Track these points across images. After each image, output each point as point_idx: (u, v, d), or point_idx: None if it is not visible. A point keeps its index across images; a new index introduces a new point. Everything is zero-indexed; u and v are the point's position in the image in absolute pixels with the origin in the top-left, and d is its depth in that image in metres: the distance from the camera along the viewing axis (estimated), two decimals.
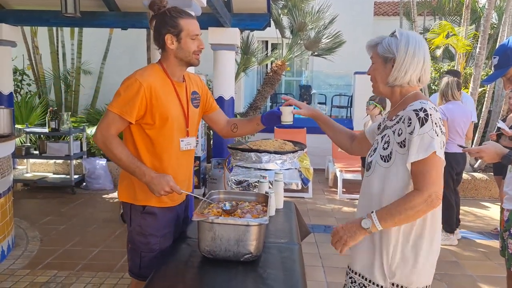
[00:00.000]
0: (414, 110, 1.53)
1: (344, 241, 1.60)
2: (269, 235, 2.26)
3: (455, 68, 7.06)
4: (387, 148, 1.62)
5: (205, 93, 2.36)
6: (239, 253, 1.86)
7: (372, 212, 1.56)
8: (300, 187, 3.84)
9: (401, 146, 1.56)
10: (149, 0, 2.07)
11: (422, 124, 1.50)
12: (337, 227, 1.62)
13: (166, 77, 2.11)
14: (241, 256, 1.86)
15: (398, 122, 1.61)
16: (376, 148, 1.72)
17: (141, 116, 2.02)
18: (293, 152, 4.33)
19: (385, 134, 1.66)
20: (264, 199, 2.35)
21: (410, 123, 1.53)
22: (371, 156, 1.72)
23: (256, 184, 3.52)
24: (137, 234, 2.15)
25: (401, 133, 1.56)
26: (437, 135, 1.51)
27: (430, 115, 1.52)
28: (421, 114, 1.51)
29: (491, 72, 2.26)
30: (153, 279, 1.76)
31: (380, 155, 1.64)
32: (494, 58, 2.15)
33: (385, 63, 1.63)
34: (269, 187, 3.00)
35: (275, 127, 8.12)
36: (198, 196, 2.22)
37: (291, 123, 2.26)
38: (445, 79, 4.57)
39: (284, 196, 3.07)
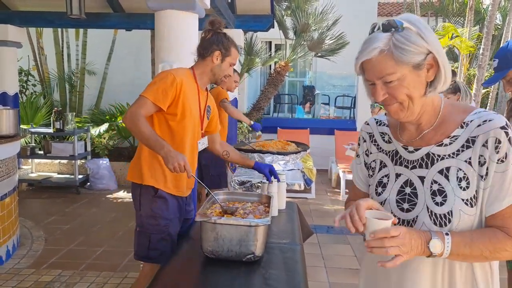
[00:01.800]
0: (501, 128, 1.10)
1: (402, 252, 1.09)
2: (271, 235, 2.28)
3: (459, 69, 7.06)
4: (468, 188, 1.14)
5: (214, 113, 2.62)
6: (241, 253, 1.88)
7: (447, 234, 1.12)
8: (302, 187, 3.87)
9: (483, 179, 1.13)
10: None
11: None
12: (401, 230, 1.09)
13: (194, 82, 2.38)
14: (244, 256, 1.88)
15: (465, 147, 1.15)
16: (419, 194, 1.20)
17: (168, 106, 2.23)
18: (296, 152, 4.36)
19: (444, 168, 1.17)
20: (267, 200, 2.38)
21: (499, 147, 1.09)
22: (413, 209, 1.20)
23: (259, 184, 3.55)
24: (147, 216, 2.30)
25: (484, 162, 1.12)
26: None
27: None
28: (510, 133, 1.10)
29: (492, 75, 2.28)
30: (157, 279, 1.79)
31: (462, 199, 1.14)
32: (494, 60, 2.18)
33: (416, 70, 1.11)
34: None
35: (278, 128, 8.16)
36: (203, 185, 2.37)
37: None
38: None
39: (287, 197, 3.09)
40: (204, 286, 1.77)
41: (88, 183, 6.71)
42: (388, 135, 1.33)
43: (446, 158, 1.17)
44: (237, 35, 6.51)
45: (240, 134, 7.24)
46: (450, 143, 1.17)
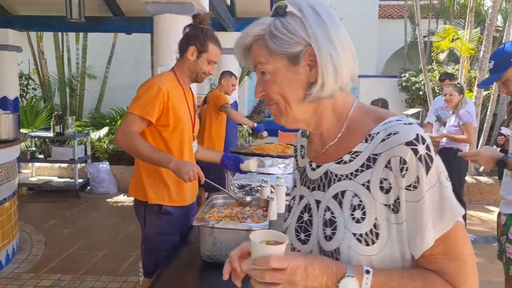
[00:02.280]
0: (407, 144, 0.81)
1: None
2: None
3: (460, 71, 7.05)
4: (364, 219, 0.86)
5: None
6: None
7: (367, 271, 0.82)
8: None
9: (393, 211, 0.84)
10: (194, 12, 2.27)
11: (428, 169, 0.82)
12: (293, 261, 0.80)
13: (179, 85, 2.28)
14: None
15: (365, 167, 0.87)
16: (313, 222, 0.95)
17: (158, 118, 2.15)
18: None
19: (339, 192, 0.90)
20: (265, 204, 2.36)
21: (405, 169, 0.81)
22: (309, 241, 0.94)
23: (259, 188, 3.53)
24: (153, 233, 2.25)
25: (389, 188, 0.84)
26: (448, 180, 0.86)
27: (430, 147, 0.84)
28: (421, 150, 0.82)
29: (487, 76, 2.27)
30: (154, 284, 1.77)
31: (354, 234, 0.86)
32: (490, 62, 2.17)
33: (293, 65, 0.89)
34: (271, 192, 3.01)
35: (279, 131, 8.14)
36: (221, 188, 2.30)
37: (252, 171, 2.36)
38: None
39: (287, 200, 3.07)
40: None
41: (88, 187, 6.70)
42: (304, 149, 1.07)
43: (344, 179, 0.90)
44: None
45: (240, 138, 7.23)
46: (350, 160, 0.89)
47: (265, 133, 4.72)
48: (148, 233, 2.25)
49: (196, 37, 2.18)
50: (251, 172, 2.35)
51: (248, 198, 2.20)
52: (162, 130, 2.18)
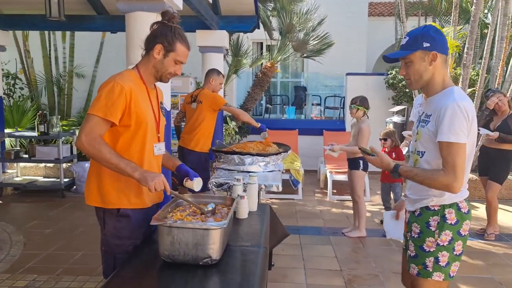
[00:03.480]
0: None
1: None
2: (236, 238, 2.26)
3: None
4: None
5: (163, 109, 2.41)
6: (198, 257, 1.85)
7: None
8: (280, 189, 3.83)
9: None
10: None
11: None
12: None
13: (142, 83, 2.18)
14: (200, 260, 1.86)
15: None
16: None
17: (119, 119, 2.05)
18: (276, 154, 4.33)
19: None
20: (231, 203, 2.35)
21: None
22: None
23: None
24: (112, 237, 2.18)
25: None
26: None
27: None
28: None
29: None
30: (109, 283, 1.76)
31: None
32: (405, 38, 2.08)
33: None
34: (244, 190, 3.00)
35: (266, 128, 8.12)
36: (182, 197, 2.21)
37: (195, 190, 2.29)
38: None
39: (273, 198, 3.05)
40: None
41: (74, 187, 6.68)
42: None
43: None
44: (222, 36, 6.50)
45: (226, 136, 7.22)
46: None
47: (266, 134, 4.68)
48: (107, 235, 2.20)
49: (164, 35, 2.10)
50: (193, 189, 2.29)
51: (210, 207, 2.14)
52: (122, 131, 2.08)
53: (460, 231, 2.06)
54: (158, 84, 2.33)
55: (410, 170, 2.11)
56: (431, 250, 2.08)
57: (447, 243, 2.06)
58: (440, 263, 2.07)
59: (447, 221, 2.06)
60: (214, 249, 1.86)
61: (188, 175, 2.27)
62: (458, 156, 1.93)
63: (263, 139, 4.71)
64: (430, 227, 2.09)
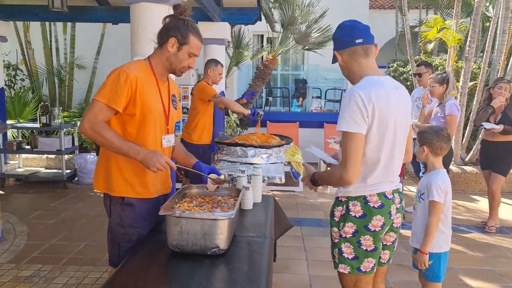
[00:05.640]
0: None
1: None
2: (242, 229, 2.28)
3: (447, 61, 7.05)
4: None
5: (179, 102, 2.43)
6: (206, 247, 1.88)
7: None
8: (283, 181, 3.85)
9: None
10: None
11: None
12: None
13: (152, 74, 2.19)
14: (208, 249, 1.88)
15: None
16: None
17: (124, 108, 2.07)
18: (278, 146, 4.35)
19: None
20: (237, 193, 2.38)
21: None
22: None
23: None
24: (116, 225, 2.22)
25: None
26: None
27: None
28: None
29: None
30: (118, 272, 1.78)
31: None
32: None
33: None
34: (248, 181, 3.02)
35: (268, 121, 8.14)
36: (190, 169, 2.30)
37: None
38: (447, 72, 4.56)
39: (274, 190, 3.07)
40: (163, 278, 1.77)
41: (76, 178, 6.70)
42: None
43: None
44: (224, 28, 6.48)
45: (228, 128, 7.23)
46: None
47: (261, 112, 4.68)
48: (112, 223, 2.23)
49: (177, 28, 2.10)
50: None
51: (222, 177, 2.22)
52: (128, 120, 2.10)
53: (369, 226, 1.98)
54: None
55: (322, 174, 2.14)
56: (335, 241, 2.09)
57: (350, 235, 2.01)
58: (344, 255, 2.04)
59: (350, 213, 2.01)
60: (222, 239, 1.88)
61: (203, 176, 2.32)
62: (349, 146, 1.87)
63: (259, 119, 4.70)
64: (335, 218, 2.10)
